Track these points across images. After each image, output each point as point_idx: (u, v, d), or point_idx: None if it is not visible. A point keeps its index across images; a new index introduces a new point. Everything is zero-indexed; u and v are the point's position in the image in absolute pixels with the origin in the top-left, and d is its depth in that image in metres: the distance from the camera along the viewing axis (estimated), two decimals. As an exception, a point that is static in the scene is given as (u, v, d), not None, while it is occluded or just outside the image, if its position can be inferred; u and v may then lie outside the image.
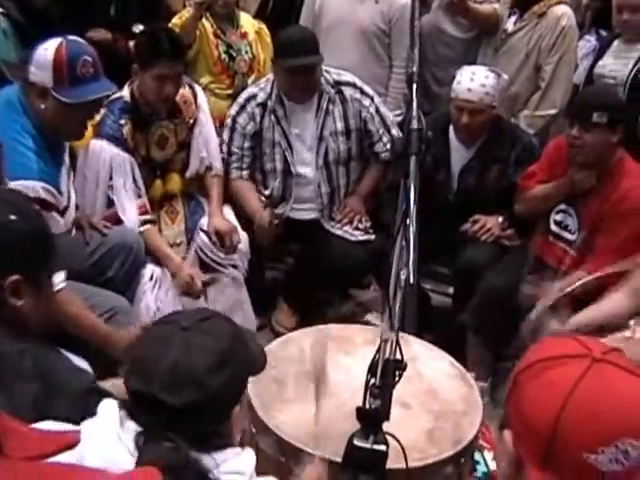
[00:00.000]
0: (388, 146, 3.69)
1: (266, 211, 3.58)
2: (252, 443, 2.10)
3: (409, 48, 3.78)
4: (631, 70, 3.95)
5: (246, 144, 3.70)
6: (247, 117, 3.68)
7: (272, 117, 3.67)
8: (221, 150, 3.73)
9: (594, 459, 1.15)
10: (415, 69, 1.73)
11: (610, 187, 3.32)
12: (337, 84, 3.69)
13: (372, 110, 3.74)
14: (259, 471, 1.63)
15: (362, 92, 3.72)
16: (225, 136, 3.73)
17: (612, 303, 2.83)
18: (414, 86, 1.71)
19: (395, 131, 3.77)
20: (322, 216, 3.77)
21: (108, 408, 1.56)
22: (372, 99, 3.75)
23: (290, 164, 3.70)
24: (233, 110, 3.72)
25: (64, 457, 1.17)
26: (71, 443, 1.23)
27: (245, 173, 3.75)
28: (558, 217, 3.53)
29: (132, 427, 1.51)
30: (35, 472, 1.06)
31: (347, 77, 3.74)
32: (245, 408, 2.12)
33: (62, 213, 2.84)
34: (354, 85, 3.72)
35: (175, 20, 3.83)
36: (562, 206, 3.49)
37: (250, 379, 2.17)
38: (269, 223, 3.52)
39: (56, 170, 2.82)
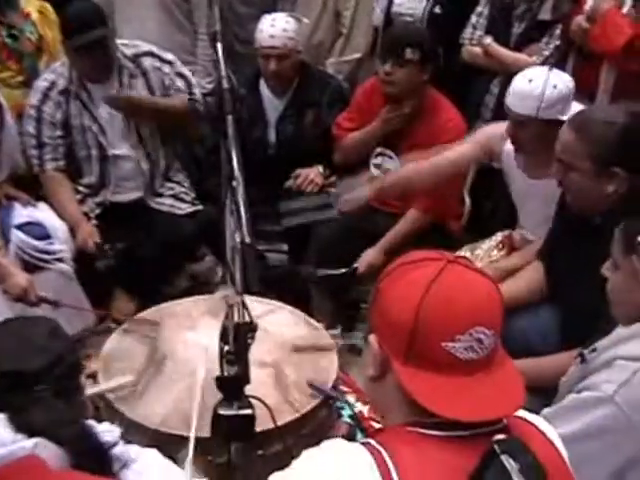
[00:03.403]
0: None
1: (89, 232, 3.42)
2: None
3: (208, 8, 3.77)
4: (426, 6, 4.09)
5: (57, 133, 3.53)
6: (53, 106, 3.49)
7: (78, 102, 3.51)
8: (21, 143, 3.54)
9: (452, 347, 1.23)
10: (218, 27, 1.70)
11: (425, 124, 3.42)
12: (135, 57, 3.56)
13: (173, 75, 3.64)
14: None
15: (161, 59, 3.61)
16: (30, 128, 3.52)
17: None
18: (219, 45, 1.68)
19: (197, 91, 3.70)
20: (146, 194, 3.67)
21: None
22: (171, 64, 3.64)
23: (105, 148, 3.57)
24: (35, 99, 3.51)
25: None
26: None
27: (62, 164, 3.57)
28: (377, 160, 3.61)
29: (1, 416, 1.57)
30: None
31: (144, 47, 3.61)
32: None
33: None
34: (152, 54, 3.60)
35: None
36: (379, 149, 3.57)
37: (102, 378, 2.13)
38: (96, 248, 3.38)
39: None
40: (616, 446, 1.71)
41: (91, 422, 1.66)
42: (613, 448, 1.71)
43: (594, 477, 1.37)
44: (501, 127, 3.03)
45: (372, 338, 1.33)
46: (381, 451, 1.22)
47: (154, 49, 3.61)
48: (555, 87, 2.81)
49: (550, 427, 1.34)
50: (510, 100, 2.88)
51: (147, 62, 3.57)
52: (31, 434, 1.53)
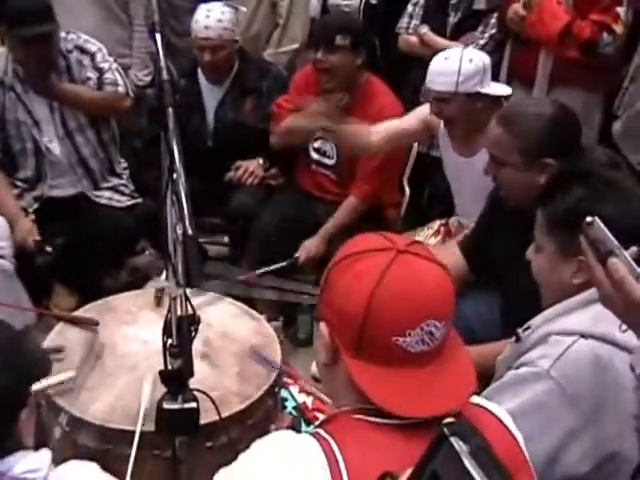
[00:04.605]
0: (119, 89, 3.54)
1: (28, 229, 3.34)
2: (68, 442, 2.02)
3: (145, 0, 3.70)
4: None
5: None
6: None
7: (12, 95, 3.44)
8: None
9: (403, 341, 1.23)
10: (156, 19, 1.69)
11: (362, 108, 3.45)
12: (66, 52, 3.49)
13: (89, 68, 3.53)
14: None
15: (82, 51, 3.52)
16: None
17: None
18: (158, 36, 1.67)
19: (110, 74, 3.54)
20: (83, 187, 3.62)
21: None
22: (92, 55, 3.53)
23: (39, 142, 3.51)
24: None
25: None
26: None
27: None
28: (317, 144, 3.62)
29: None
30: None
31: (72, 41, 3.52)
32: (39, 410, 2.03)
33: None
34: (76, 47, 3.52)
35: None
36: (319, 133, 3.57)
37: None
38: (35, 246, 3.31)
39: None
40: (554, 420, 1.75)
41: (13, 461, 1.49)
42: (552, 422, 1.75)
43: (535, 452, 1.39)
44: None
45: (322, 327, 1.31)
46: (329, 440, 1.22)
47: (79, 41, 3.52)
48: (471, 61, 2.92)
49: (503, 411, 1.36)
50: (430, 79, 2.99)
51: (73, 57, 3.50)
52: None
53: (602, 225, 1.32)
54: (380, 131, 3.23)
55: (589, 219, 1.33)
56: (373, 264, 1.26)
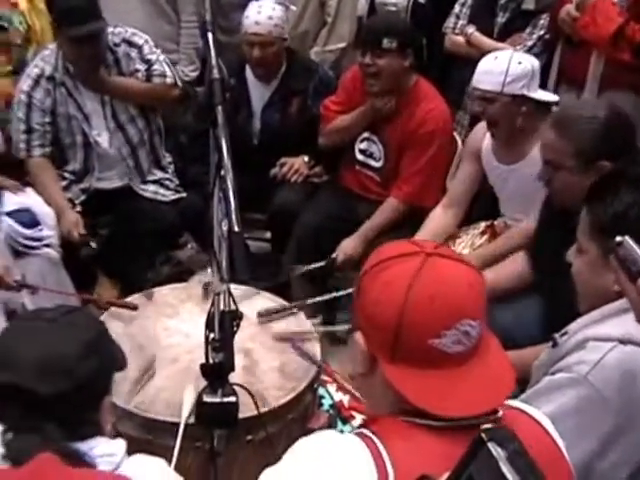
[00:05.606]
0: (167, 80, 3.58)
1: (73, 221, 3.40)
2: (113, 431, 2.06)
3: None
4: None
5: (46, 119, 3.51)
6: (43, 93, 3.48)
7: (63, 90, 3.49)
8: (3, 129, 3.53)
9: (438, 343, 1.23)
10: (208, 17, 1.70)
11: (409, 111, 3.44)
12: (114, 45, 3.54)
13: (138, 60, 3.57)
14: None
15: (129, 44, 3.57)
16: (20, 113, 3.50)
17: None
18: (209, 35, 1.68)
19: (158, 66, 3.59)
20: (130, 180, 3.67)
21: None
22: (140, 48, 3.57)
23: (88, 135, 3.56)
24: (26, 86, 3.49)
25: None
26: None
27: (48, 150, 3.55)
28: (362, 145, 3.62)
29: None
30: None
31: (118, 36, 3.56)
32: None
33: None
34: (123, 40, 3.56)
35: None
36: (365, 134, 3.58)
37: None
38: (80, 238, 3.37)
39: None
40: (590, 426, 1.74)
41: (94, 444, 1.52)
42: (588, 428, 1.74)
43: (571, 459, 1.39)
44: (477, 128, 3.17)
45: (357, 336, 1.31)
46: (374, 440, 1.22)
47: (126, 35, 3.56)
48: (520, 63, 2.92)
49: (544, 416, 1.35)
50: (476, 78, 2.99)
51: (120, 50, 3.55)
52: (14, 463, 1.43)
53: (632, 243, 1.31)
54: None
55: (619, 239, 1.32)
56: (403, 269, 1.26)
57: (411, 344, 1.24)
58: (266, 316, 2.53)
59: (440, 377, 1.24)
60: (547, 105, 2.98)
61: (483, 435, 0.97)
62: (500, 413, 1.26)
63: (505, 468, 0.96)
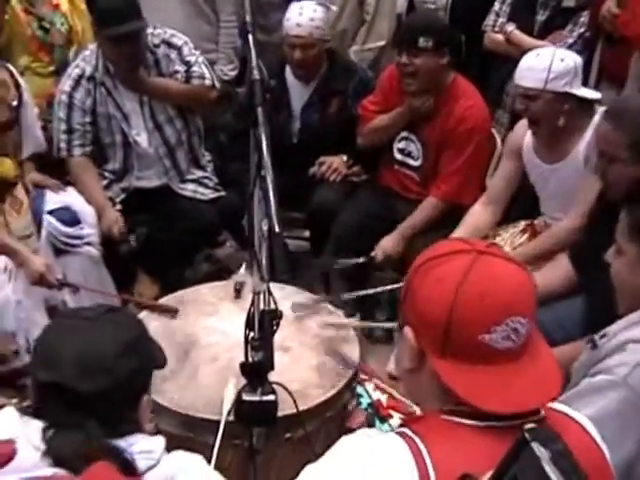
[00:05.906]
0: (206, 82, 3.60)
1: (114, 219, 3.44)
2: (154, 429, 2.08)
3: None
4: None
5: (86, 119, 3.55)
6: (84, 93, 3.51)
7: (103, 90, 3.53)
8: (45, 129, 3.58)
9: (489, 338, 1.23)
10: (249, 18, 1.71)
11: (447, 109, 3.42)
12: (154, 46, 3.56)
13: (177, 62, 3.58)
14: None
15: (169, 45, 3.59)
16: (61, 113, 3.54)
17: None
18: (250, 36, 1.69)
19: (198, 67, 3.61)
20: (169, 179, 3.70)
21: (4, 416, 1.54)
22: (179, 49, 3.59)
23: (128, 135, 3.59)
24: (67, 86, 3.52)
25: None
26: None
27: (89, 149, 3.59)
28: (401, 145, 3.61)
29: (37, 425, 1.48)
30: None
31: (157, 37, 3.58)
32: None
33: None
34: (163, 41, 3.58)
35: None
36: (404, 133, 3.57)
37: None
38: (120, 236, 3.41)
39: None
40: (630, 429, 1.72)
41: (133, 440, 1.52)
42: (627, 431, 1.72)
43: (614, 460, 1.38)
44: (518, 126, 3.14)
45: (407, 331, 1.32)
46: (415, 440, 1.22)
47: (165, 35, 3.58)
48: (562, 60, 2.89)
49: (586, 419, 1.34)
50: (519, 74, 2.96)
51: (160, 51, 3.57)
52: (54, 461, 1.44)
53: None
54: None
55: None
56: (455, 265, 1.27)
57: (461, 340, 1.25)
58: (301, 307, 2.54)
59: (489, 373, 1.25)
60: (590, 103, 2.96)
61: (527, 435, 0.97)
62: (543, 414, 1.25)
63: (548, 468, 0.96)
